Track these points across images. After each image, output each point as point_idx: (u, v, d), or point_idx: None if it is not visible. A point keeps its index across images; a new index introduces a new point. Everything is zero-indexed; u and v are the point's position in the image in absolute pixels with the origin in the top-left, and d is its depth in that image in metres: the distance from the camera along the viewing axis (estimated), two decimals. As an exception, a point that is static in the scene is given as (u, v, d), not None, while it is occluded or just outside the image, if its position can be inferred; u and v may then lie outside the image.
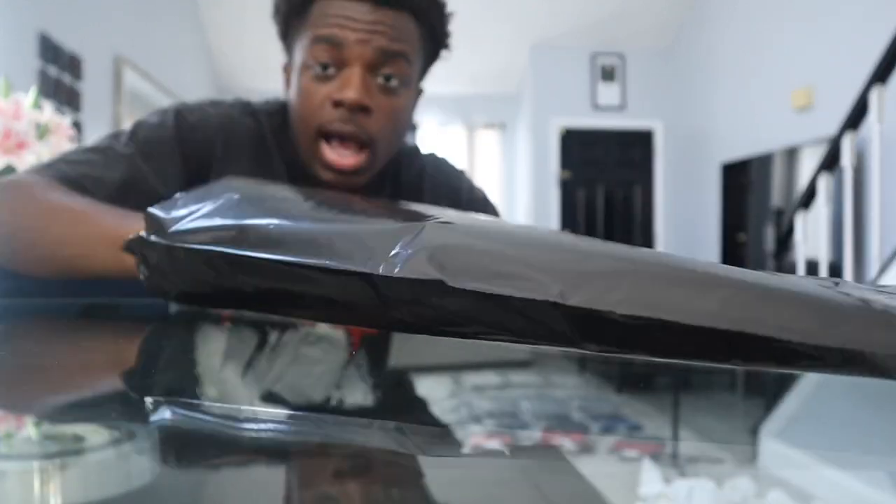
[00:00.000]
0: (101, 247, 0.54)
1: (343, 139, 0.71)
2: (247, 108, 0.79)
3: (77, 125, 3.04)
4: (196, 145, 0.73)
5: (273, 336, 0.44)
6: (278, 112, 0.79)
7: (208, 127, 0.75)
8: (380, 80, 0.71)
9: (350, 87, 0.69)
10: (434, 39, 0.77)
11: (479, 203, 0.88)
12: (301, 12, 0.73)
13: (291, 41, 0.76)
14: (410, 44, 0.73)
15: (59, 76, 2.98)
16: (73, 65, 3.11)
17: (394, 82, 0.72)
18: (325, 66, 0.70)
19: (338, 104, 0.69)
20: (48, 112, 1.12)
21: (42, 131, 1.09)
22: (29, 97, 1.11)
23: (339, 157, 0.71)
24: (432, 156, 0.91)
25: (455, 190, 0.88)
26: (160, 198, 0.50)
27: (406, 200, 0.81)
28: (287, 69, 0.78)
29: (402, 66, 0.72)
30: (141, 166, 0.69)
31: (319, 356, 0.41)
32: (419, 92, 0.81)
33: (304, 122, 0.72)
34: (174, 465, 0.22)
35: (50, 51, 2.90)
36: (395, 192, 0.84)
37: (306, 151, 0.73)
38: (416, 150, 0.90)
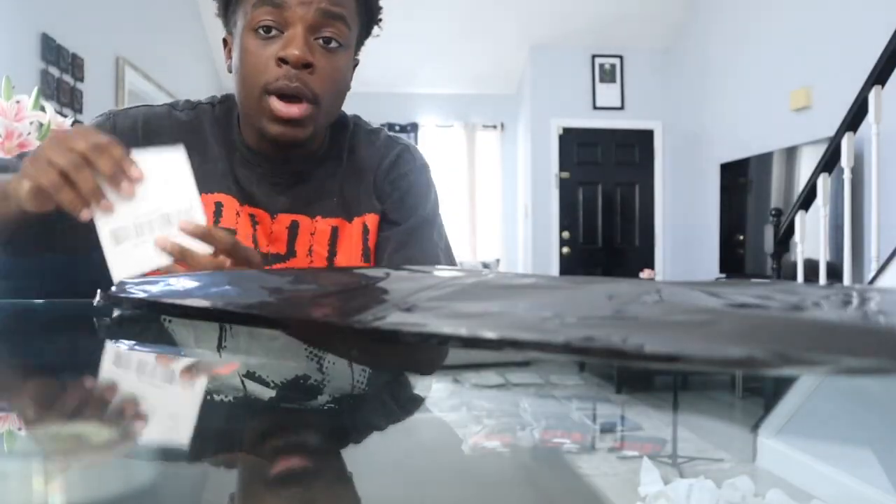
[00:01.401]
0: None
1: (287, 96, 0.75)
2: (188, 105, 0.87)
3: (78, 125, 3.02)
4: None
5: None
6: (222, 101, 0.87)
7: (124, 129, 0.82)
8: (321, 41, 0.76)
9: (293, 45, 0.74)
10: (368, 13, 0.83)
11: (421, 221, 0.91)
12: None
13: (233, 10, 0.80)
14: (348, 9, 0.79)
15: (61, 76, 2.98)
16: (74, 65, 3.11)
17: (334, 44, 0.77)
18: (268, 29, 0.75)
19: (282, 62, 0.74)
20: (50, 112, 1.12)
21: (44, 131, 1.10)
22: (31, 98, 1.11)
23: (284, 107, 0.76)
24: (402, 143, 0.95)
25: (411, 195, 0.92)
26: None
27: (359, 176, 0.89)
28: (227, 41, 0.83)
29: (342, 28, 0.77)
30: None
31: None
32: (356, 62, 0.86)
33: (250, 81, 0.77)
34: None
35: (52, 51, 2.90)
36: (353, 166, 0.89)
37: (254, 110, 0.78)
38: (383, 132, 0.95)
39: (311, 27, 0.75)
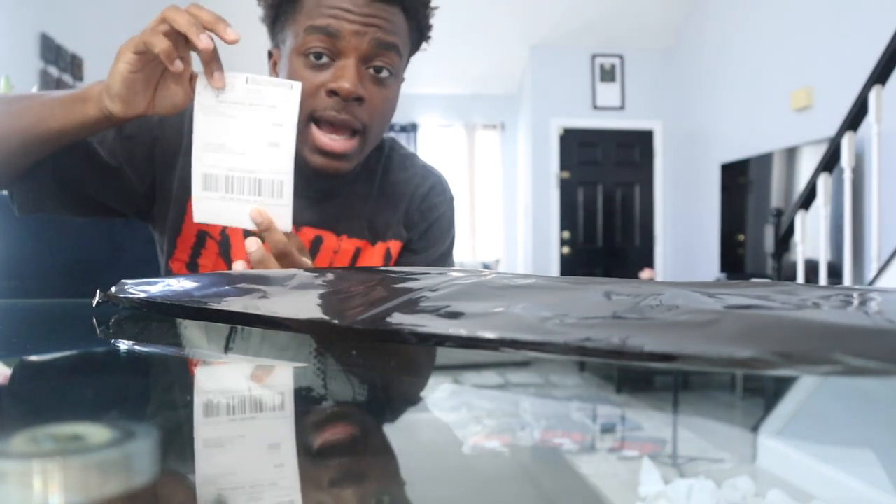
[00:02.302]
0: (59, 106, 0.64)
1: (335, 126, 0.74)
2: None
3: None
4: (144, 121, 0.79)
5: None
6: None
7: (176, 119, 0.81)
8: (372, 70, 0.74)
9: (346, 78, 0.72)
10: (419, 31, 0.81)
11: (438, 240, 0.92)
12: None
13: (281, 27, 0.77)
14: (401, 36, 0.76)
15: (60, 76, 2.98)
16: (74, 65, 3.11)
17: (385, 73, 0.75)
18: (319, 56, 0.73)
19: (332, 94, 0.72)
20: (49, 112, 1.11)
21: (43, 132, 1.09)
22: (30, 97, 1.11)
23: (331, 140, 0.74)
24: (435, 174, 0.95)
25: (436, 228, 0.92)
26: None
27: (390, 201, 0.88)
28: (273, 55, 0.80)
29: (394, 58, 0.75)
30: (123, 144, 0.78)
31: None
32: (402, 80, 0.85)
33: None
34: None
35: (51, 51, 2.90)
36: (385, 191, 0.88)
37: (298, 137, 0.76)
38: (415, 157, 0.94)
39: (363, 58, 0.73)
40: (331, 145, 0.74)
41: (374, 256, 0.87)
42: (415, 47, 0.83)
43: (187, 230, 0.83)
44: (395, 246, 0.89)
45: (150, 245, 0.89)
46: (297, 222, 0.83)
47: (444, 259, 0.94)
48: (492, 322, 0.29)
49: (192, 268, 0.84)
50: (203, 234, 0.83)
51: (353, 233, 0.86)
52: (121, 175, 0.78)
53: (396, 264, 0.89)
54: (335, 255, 0.85)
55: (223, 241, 0.83)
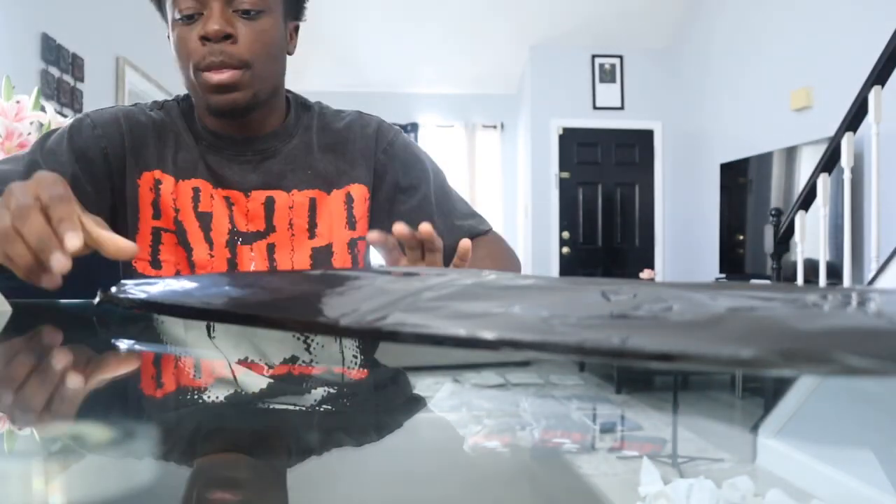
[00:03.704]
0: None
1: (216, 68, 0.78)
2: (156, 105, 0.90)
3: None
4: (90, 138, 0.84)
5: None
6: (185, 98, 0.90)
7: (106, 122, 0.85)
8: (240, 12, 0.79)
9: (209, 20, 0.77)
10: None
11: (401, 151, 0.95)
12: None
13: (161, 4, 0.84)
14: None
15: (61, 76, 2.98)
16: (74, 65, 3.11)
17: (253, 11, 0.79)
18: (190, 17, 0.79)
19: (204, 39, 0.78)
20: (50, 112, 1.12)
21: (43, 131, 1.10)
22: (31, 98, 1.11)
23: (216, 75, 0.79)
24: (374, 117, 0.97)
25: (409, 156, 0.95)
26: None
27: (335, 150, 0.91)
28: (169, 38, 0.85)
29: None
30: (38, 160, 0.80)
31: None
32: (295, 23, 0.89)
33: (184, 65, 0.80)
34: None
35: (52, 51, 2.90)
36: (326, 141, 0.91)
37: (194, 90, 0.82)
38: (351, 111, 0.96)
39: (226, 1, 0.78)
40: (217, 78, 0.78)
41: (333, 204, 0.89)
42: None
43: (143, 228, 0.85)
44: (357, 190, 0.90)
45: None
46: (245, 188, 0.86)
47: (446, 194, 0.97)
48: (491, 322, 0.29)
49: (155, 265, 0.85)
50: (157, 229, 0.85)
51: (302, 185, 0.88)
52: (79, 192, 0.75)
53: (407, 207, 0.92)
54: (291, 212, 0.87)
55: (179, 230, 0.85)
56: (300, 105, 0.93)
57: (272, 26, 0.82)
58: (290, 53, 0.88)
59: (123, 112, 0.87)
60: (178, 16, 0.79)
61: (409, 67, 5.67)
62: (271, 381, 0.37)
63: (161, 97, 4.58)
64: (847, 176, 2.58)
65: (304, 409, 0.31)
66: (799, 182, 3.71)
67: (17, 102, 1.07)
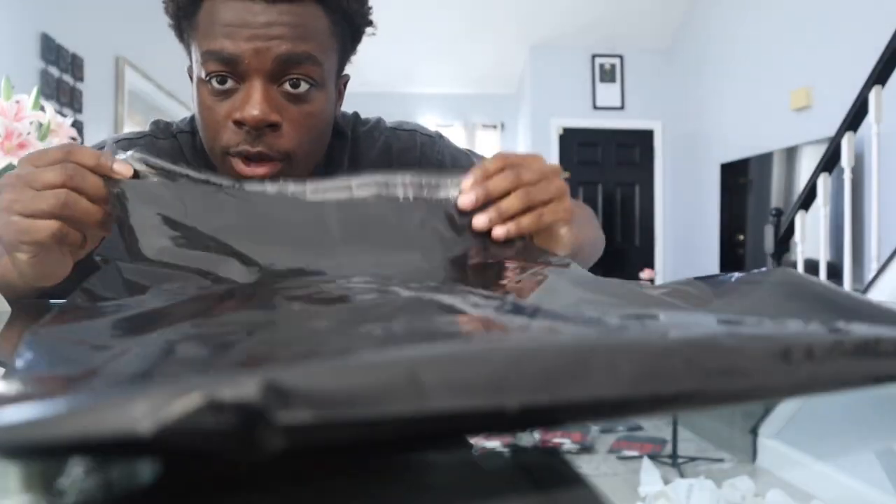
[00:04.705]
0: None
1: (254, 160, 0.62)
2: (167, 131, 0.76)
3: (78, 125, 3.03)
4: None
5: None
6: (193, 128, 0.75)
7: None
8: (286, 87, 0.62)
9: (251, 104, 0.60)
10: (348, 21, 0.66)
11: (448, 158, 0.84)
12: (189, 13, 0.63)
13: (188, 48, 0.66)
14: (318, 39, 0.62)
15: (61, 76, 2.98)
16: (74, 65, 3.11)
17: (303, 87, 0.62)
18: (222, 80, 0.61)
19: (239, 124, 0.61)
20: (50, 112, 1.12)
21: (43, 132, 1.10)
22: (30, 98, 1.11)
23: (251, 170, 0.63)
24: (405, 133, 0.84)
25: (420, 158, 0.82)
26: None
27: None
28: (191, 73, 0.67)
29: (310, 69, 0.62)
30: None
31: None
32: (343, 81, 0.73)
33: (209, 141, 0.65)
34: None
35: (51, 51, 2.90)
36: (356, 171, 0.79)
37: (221, 169, 0.65)
38: (377, 128, 0.83)
39: (270, 76, 0.60)
40: (250, 172, 0.62)
41: None
42: (350, 40, 0.69)
43: None
44: None
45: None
46: None
47: None
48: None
49: None
50: None
51: None
52: None
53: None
54: None
55: None
56: (335, 134, 0.77)
57: (324, 101, 0.65)
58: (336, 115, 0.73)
59: (147, 148, 0.73)
60: (204, 75, 0.61)
61: (409, 67, 5.68)
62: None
63: (161, 97, 4.54)
64: (847, 176, 2.58)
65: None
66: (799, 182, 3.71)
67: (17, 102, 1.06)
